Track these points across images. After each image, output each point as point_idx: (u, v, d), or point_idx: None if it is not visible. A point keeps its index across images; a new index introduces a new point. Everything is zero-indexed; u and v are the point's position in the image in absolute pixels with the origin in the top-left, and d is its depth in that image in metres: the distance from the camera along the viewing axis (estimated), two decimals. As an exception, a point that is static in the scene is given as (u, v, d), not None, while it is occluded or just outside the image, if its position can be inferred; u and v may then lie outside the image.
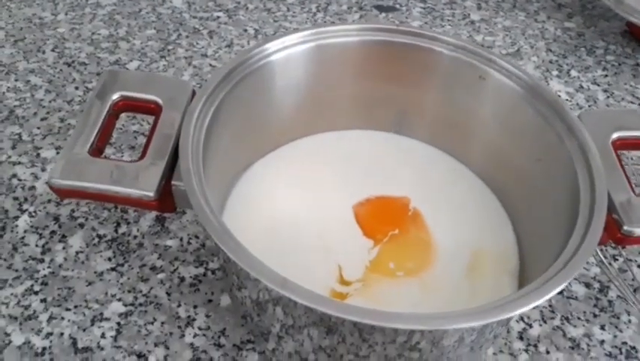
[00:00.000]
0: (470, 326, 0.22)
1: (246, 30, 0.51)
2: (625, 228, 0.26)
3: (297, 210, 0.34)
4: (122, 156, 0.40)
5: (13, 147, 0.40)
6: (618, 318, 0.34)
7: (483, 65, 0.32)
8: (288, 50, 0.31)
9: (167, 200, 0.26)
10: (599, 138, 0.29)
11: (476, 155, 0.36)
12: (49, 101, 0.43)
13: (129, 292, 0.33)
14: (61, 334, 0.31)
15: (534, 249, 0.32)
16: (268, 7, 0.54)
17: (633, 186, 0.28)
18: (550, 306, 0.34)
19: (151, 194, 0.25)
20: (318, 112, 0.36)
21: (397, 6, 0.56)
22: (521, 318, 0.34)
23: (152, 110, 0.28)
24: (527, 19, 0.56)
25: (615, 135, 0.30)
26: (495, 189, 0.35)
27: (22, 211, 0.36)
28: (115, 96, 0.29)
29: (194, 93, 0.29)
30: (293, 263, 0.31)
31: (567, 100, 0.48)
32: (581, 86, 0.49)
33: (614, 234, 0.27)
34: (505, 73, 0.31)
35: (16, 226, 0.36)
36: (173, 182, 0.26)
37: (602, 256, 0.36)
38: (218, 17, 0.52)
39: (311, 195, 0.35)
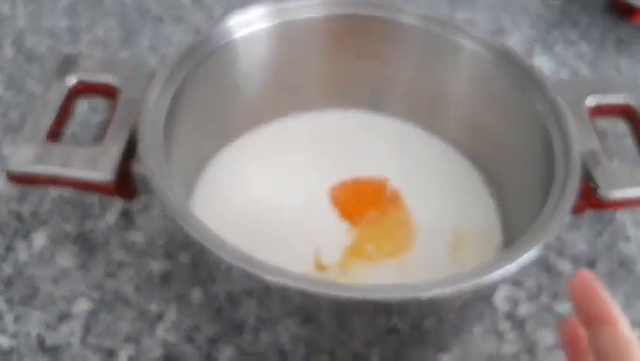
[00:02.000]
0: (438, 293, 0.22)
1: (213, 16, 0.52)
2: (600, 192, 0.27)
3: (270, 195, 0.35)
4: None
5: (-28, 145, 0.40)
6: (606, 292, 0.35)
7: (455, 35, 0.33)
8: (251, 28, 0.32)
9: (126, 184, 0.27)
10: (574, 105, 0.30)
11: (454, 128, 0.37)
12: (9, 97, 0.44)
13: (96, 288, 0.33)
14: (29, 333, 0.31)
15: (518, 223, 0.33)
16: (237, -9, 0.54)
17: (608, 152, 0.29)
18: (537, 284, 0.35)
19: (109, 176, 0.26)
20: (287, 92, 0.37)
21: (373, -14, 0.56)
22: (507, 297, 0.34)
23: (110, 92, 0.29)
24: (509, -4, 0.57)
25: (590, 102, 0.31)
26: (475, 163, 0.36)
27: (-17, 210, 0.37)
28: (72, 80, 0.29)
29: (153, 75, 0.30)
30: (267, 249, 0.31)
31: (551, 75, 0.49)
32: (565, 61, 0.50)
33: (591, 199, 0.28)
34: (477, 42, 0.32)
35: (-23, 225, 0.36)
36: (132, 165, 0.27)
37: (587, 231, 0.37)
38: (184, 4, 0.53)
39: (285, 179, 0.35)
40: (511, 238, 0.33)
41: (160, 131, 0.27)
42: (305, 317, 0.26)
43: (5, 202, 0.37)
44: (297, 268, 0.31)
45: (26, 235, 0.35)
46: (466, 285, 0.23)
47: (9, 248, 0.35)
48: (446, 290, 0.23)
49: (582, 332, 0.25)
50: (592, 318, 0.23)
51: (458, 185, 0.36)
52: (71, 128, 0.35)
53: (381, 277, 0.32)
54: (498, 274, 0.23)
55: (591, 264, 0.36)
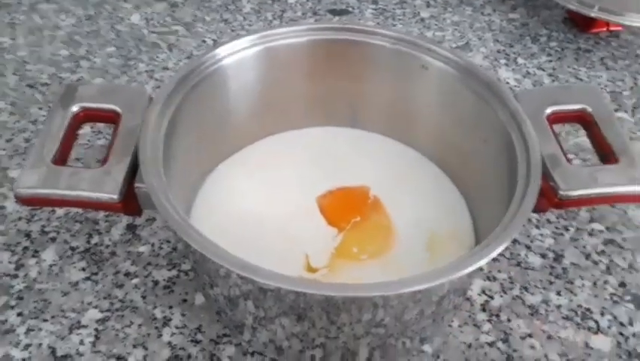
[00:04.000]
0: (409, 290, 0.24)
1: (204, 41, 0.53)
2: (561, 192, 0.28)
3: (262, 207, 0.36)
4: (90, 170, 0.41)
5: (-20, 170, 0.41)
6: (572, 283, 0.36)
7: (422, 54, 0.34)
8: (239, 54, 0.33)
9: (131, 202, 0.28)
10: (534, 112, 0.32)
11: (425, 139, 0.38)
12: (14, 123, 0.44)
13: (105, 298, 0.34)
14: (40, 344, 0.32)
15: (487, 223, 0.34)
16: (225, 18, 0.56)
17: (567, 155, 0.30)
18: (509, 278, 0.37)
19: (115, 196, 0.26)
20: (274, 112, 0.38)
21: (350, 9, 0.58)
22: (483, 291, 0.36)
23: (112, 118, 0.30)
24: (474, 13, 0.59)
25: (549, 110, 0.32)
26: (446, 170, 0.37)
27: (-7, 231, 0.37)
28: (75, 108, 0.30)
29: (151, 100, 0.31)
30: (261, 255, 0.32)
31: (515, 86, 0.51)
32: (528, 72, 0.52)
33: (552, 199, 0.29)
34: (443, 60, 0.34)
35: (-12, 245, 0.36)
36: (136, 184, 0.28)
37: (554, 227, 0.38)
38: (177, 31, 0.54)
39: (275, 192, 0.36)
40: (481, 237, 0.34)
41: (159, 151, 0.28)
42: (298, 315, 0.27)
43: (14, 222, 0.38)
44: (289, 271, 0.32)
45: (36, 252, 0.36)
46: (442, 279, 0.24)
47: (19, 265, 0.35)
48: (424, 285, 0.24)
49: None
50: None
51: (432, 191, 0.37)
52: (75, 150, 0.36)
53: (366, 276, 0.33)
54: (469, 269, 0.24)
55: (558, 258, 0.38)
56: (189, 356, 0.32)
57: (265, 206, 0.36)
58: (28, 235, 0.37)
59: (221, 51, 0.33)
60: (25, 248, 0.36)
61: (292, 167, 0.38)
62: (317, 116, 0.39)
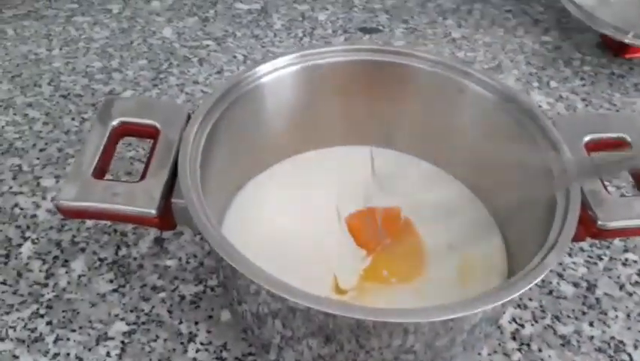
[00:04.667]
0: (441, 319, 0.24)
1: (235, 57, 0.54)
2: (599, 222, 0.28)
3: (292, 224, 0.36)
4: (120, 182, 0.41)
5: (14, 178, 0.42)
6: (606, 314, 0.36)
7: (460, 77, 0.34)
8: (277, 73, 0.34)
9: (167, 217, 0.28)
10: (572, 140, 0.32)
11: (459, 163, 0.38)
12: (47, 133, 0.45)
13: (131, 311, 0.34)
14: (68, 354, 0.32)
15: (521, 250, 0.34)
16: (256, 34, 0.57)
17: (605, 184, 0.30)
18: (541, 306, 0.36)
19: (153, 211, 0.27)
20: (308, 130, 0.38)
21: (381, 27, 0.59)
22: (513, 319, 0.36)
23: (151, 133, 0.30)
24: (506, 35, 0.59)
25: (587, 137, 0.32)
26: (480, 194, 0.37)
27: (25, 239, 0.38)
28: (115, 122, 0.31)
29: (189, 116, 0.31)
30: (289, 274, 0.33)
31: (548, 109, 0.51)
32: (561, 96, 0.52)
33: (591, 229, 0.29)
34: (481, 84, 0.34)
35: (20, 253, 0.37)
36: (172, 200, 0.28)
37: (587, 256, 0.38)
38: (208, 45, 0.55)
39: (305, 209, 0.37)
40: (514, 265, 0.34)
41: (197, 167, 0.28)
42: (326, 336, 0.27)
43: (45, 231, 0.39)
44: (317, 292, 0.32)
45: (65, 262, 0.37)
46: (480, 308, 0.24)
47: (49, 274, 0.36)
48: (461, 313, 0.24)
49: None
50: None
51: (464, 215, 0.37)
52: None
53: (394, 300, 0.33)
54: (506, 299, 0.24)
55: (591, 287, 0.37)
56: (214, 374, 0.32)
57: (294, 223, 0.36)
58: (58, 245, 0.38)
59: (260, 69, 0.33)
60: (56, 258, 0.37)
61: (323, 185, 0.38)
62: (350, 135, 0.39)
